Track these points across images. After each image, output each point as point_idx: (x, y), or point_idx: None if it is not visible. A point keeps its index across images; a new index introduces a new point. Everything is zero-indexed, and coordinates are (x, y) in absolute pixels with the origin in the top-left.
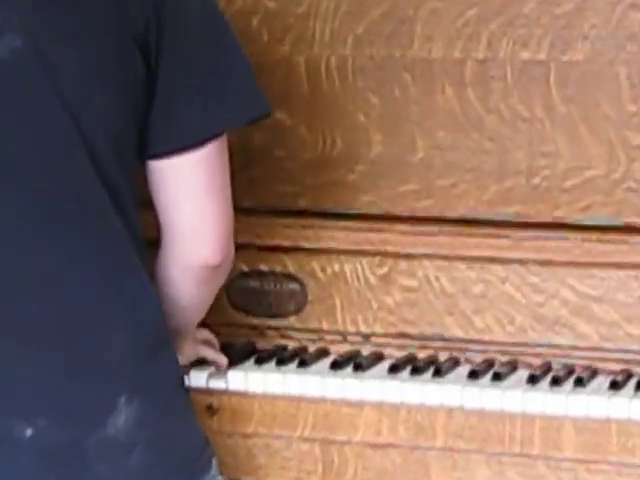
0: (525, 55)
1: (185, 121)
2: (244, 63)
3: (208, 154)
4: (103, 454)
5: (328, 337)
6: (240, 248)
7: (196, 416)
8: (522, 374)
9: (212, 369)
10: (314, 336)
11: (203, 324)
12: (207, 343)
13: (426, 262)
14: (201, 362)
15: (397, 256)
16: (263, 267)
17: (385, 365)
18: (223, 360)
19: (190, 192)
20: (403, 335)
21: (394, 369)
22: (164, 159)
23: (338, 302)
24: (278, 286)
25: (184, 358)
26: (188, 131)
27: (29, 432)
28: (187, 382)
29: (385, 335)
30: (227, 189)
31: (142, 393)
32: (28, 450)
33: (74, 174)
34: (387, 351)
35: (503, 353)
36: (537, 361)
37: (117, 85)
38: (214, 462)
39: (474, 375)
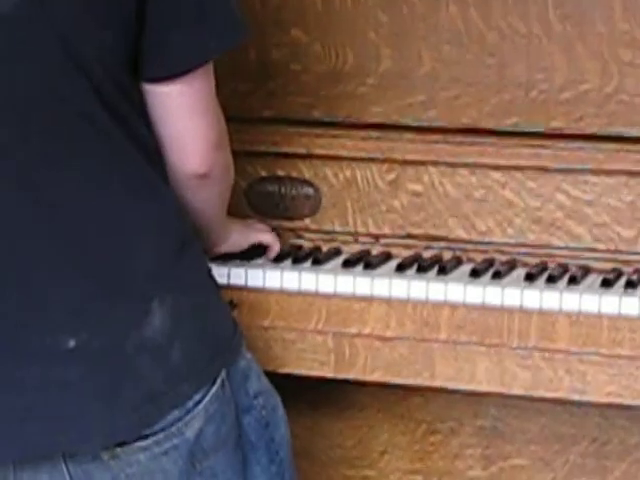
0: None
1: (176, 49)
2: None
3: (193, 79)
4: (144, 353)
5: (340, 238)
6: (259, 155)
7: (225, 305)
8: (520, 272)
9: (233, 266)
10: (327, 237)
11: None
12: (262, 230)
13: (431, 168)
14: (224, 258)
15: (404, 163)
16: (280, 172)
17: (393, 264)
18: (277, 246)
19: (176, 112)
20: (410, 236)
21: (401, 267)
22: (154, 84)
23: (350, 205)
24: (294, 190)
25: (233, 245)
26: (177, 60)
27: (72, 343)
28: None
29: (393, 236)
30: (212, 106)
31: (174, 293)
32: (74, 360)
33: (81, 107)
34: (395, 251)
35: (503, 253)
36: (534, 260)
37: (112, 17)
38: (244, 342)
39: (475, 273)
